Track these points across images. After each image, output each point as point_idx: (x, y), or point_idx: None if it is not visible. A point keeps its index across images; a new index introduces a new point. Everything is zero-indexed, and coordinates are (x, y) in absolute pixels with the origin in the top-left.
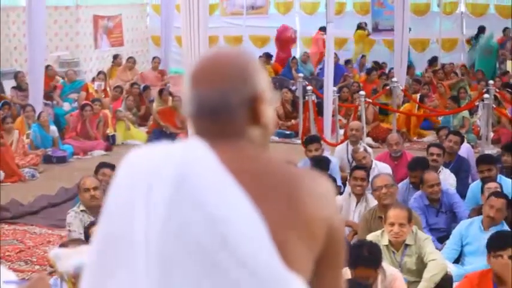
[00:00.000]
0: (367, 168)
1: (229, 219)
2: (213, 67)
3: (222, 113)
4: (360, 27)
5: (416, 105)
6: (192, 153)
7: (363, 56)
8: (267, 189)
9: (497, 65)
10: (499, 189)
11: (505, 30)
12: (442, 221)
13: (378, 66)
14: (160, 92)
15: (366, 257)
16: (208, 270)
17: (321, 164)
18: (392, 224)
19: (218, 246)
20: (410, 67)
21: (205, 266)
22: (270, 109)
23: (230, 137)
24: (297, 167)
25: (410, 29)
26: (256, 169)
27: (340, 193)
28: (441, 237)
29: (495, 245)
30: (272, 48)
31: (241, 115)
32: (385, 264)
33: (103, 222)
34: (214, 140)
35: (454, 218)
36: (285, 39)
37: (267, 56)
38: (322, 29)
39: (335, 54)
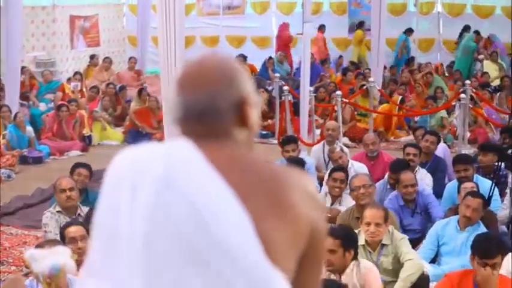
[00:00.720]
0: (346, 170)
1: (215, 214)
2: (199, 72)
3: (210, 115)
4: (358, 27)
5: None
6: (179, 153)
7: (340, 56)
8: (254, 186)
9: (473, 66)
10: (475, 189)
11: (478, 33)
12: (417, 221)
13: (354, 66)
14: (140, 92)
15: None
16: (195, 264)
17: (296, 165)
18: (368, 224)
19: (205, 241)
20: (393, 67)
21: (193, 261)
22: (255, 111)
23: (217, 138)
24: (282, 166)
25: None
26: (243, 167)
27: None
28: (416, 239)
29: (481, 251)
30: (248, 48)
31: (229, 118)
32: (361, 259)
33: (95, 222)
34: (201, 140)
35: (429, 219)
36: (284, 38)
37: (243, 57)
38: (322, 28)
39: (312, 54)
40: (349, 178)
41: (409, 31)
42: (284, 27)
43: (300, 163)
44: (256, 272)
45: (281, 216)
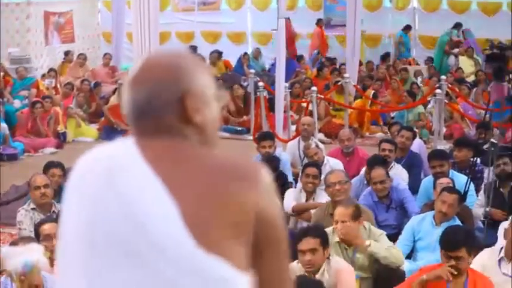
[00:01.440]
0: (319, 165)
1: (142, 207)
2: (145, 69)
3: (151, 111)
4: None
5: (369, 100)
6: (120, 149)
7: (318, 53)
8: (188, 177)
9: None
10: (451, 185)
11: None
12: (392, 217)
13: (329, 62)
14: (119, 87)
15: None
16: (128, 256)
17: (270, 163)
18: (336, 222)
19: (137, 236)
20: (370, 62)
21: (127, 256)
22: (212, 108)
23: (160, 134)
24: (235, 159)
25: (362, 21)
26: (180, 159)
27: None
28: (392, 234)
29: (445, 243)
30: (224, 44)
31: (171, 113)
32: (334, 256)
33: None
34: (145, 137)
35: (405, 214)
36: (288, 35)
37: (218, 53)
38: (319, 22)
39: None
40: (325, 174)
41: (407, 28)
42: (286, 23)
43: (273, 161)
44: (190, 261)
45: (217, 206)
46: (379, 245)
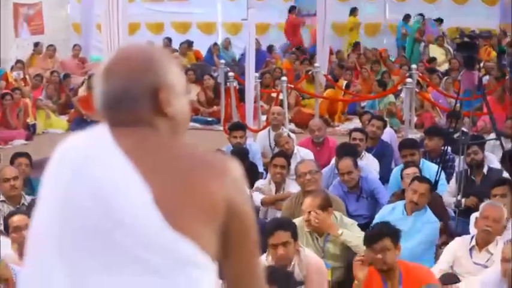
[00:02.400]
0: (287, 156)
1: (115, 190)
2: (119, 61)
3: (124, 103)
4: (352, 13)
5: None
6: (93, 138)
7: (290, 43)
8: (159, 164)
9: (415, 49)
10: (417, 174)
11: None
12: (363, 207)
13: (300, 51)
14: (90, 77)
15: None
16: (100, 238)
17: (240, 154)
18: (304, 212)
19: (106, 217)
20: (340, 51)
21: (99, 237)
22: (182, 100)
23: (135, 125)
24: (205, 151)
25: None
26: (152, 148)
27: (263, 179)
28: (364, 224)
29: (370, 237)
30: (194, 35)
31: (144, 105)
32: (306, 248)
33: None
34: (119, 127)
35: (376, 204)
36: (293, 24)
37: (189, 43)
38: (292, 10)
39: (256, 40)
40: (296, 164)
41: (407, 17)
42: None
43: (242, 153)
44: (163, 243)
45: (187, 192)
46: (351, 233)
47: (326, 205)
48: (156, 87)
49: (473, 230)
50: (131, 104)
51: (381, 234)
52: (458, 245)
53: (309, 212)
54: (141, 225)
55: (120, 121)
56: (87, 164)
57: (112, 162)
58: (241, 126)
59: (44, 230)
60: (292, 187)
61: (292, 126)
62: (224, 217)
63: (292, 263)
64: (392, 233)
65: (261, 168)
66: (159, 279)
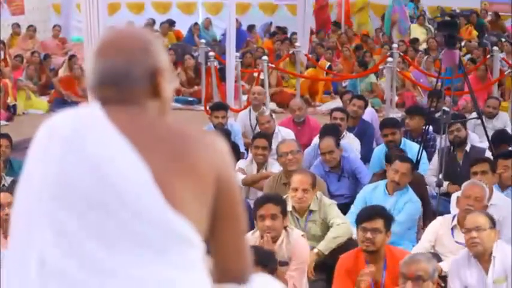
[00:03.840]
0: (268, 136)
1: (113, 166)
2: (119, 39)
3: (123, 81)
4: None
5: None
6: (87, 115)
7: (271, 23)
8: (154, 141)
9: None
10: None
11: None
12: (344, 186)
13: (280, 31)
14: (69, 59)
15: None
16: (97, 214)
17: (222, 134)
18: (295, 189)
19: (104, 191)
20: (320, 31)
21: (96, 212)
22: (170, 87)
23: (127, 104)
24: (191, 127)
25: None
26: (147, 127)
27: (244, 159)
28: (346, 204)
29: (360, 216)
30: (174, 15)
31: (141, 86)
32: (293, 228)
33: (17, 190)
34: (111, 105)
35: (357, 184)
36: (318, 5)
37: (170, 23)
38: None
39: (237, 19)
40: (277, 144)
41: None
42: None
43: (225, 132)
44: (159, 217)
45: (183, 169)
46: (325, 243)
47: (315, 183)
48: (154, 70)
49: (454, 209)
50: (130, 83)
51: (375, 215)
52: (439, 224)
53: (303, 190)
54: (142, 204)
55: (114, 99)
56: (81, 141)
57: (107, 140)
58: (223, 106)
59: (33, 206)
60: (275, 167)
61: (273, 105)
62: (215, 189)
63: (279, 241)
64: (386, 216)
65: (242, 148)
66: (155, 255)
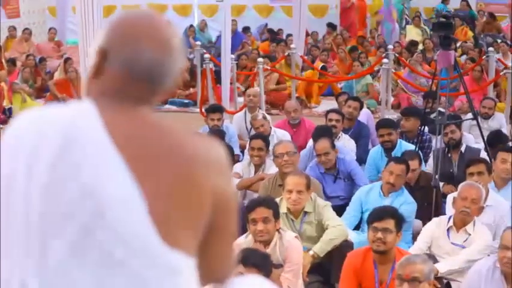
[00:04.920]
0: (265, 137)
1: (106, 195)
2: (156, 31)
3: (160, 77)
4: None
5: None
6: (81, 118)
7: (266, 25)
8: (154, 161)
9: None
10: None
11: None
12: (340, 187)
13: (273, 33)
14: (66, 61)
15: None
16: (83, 240)
17: (216, 136)
18: (290, 191)
19: (92, 218)
20: (314, 33)
21: (82, 237)
22: None
23: (137, 104)
24: (190, 136)
25: None
26: (147, 138)
27: (239, 161)
28: (341, 205)
29: (371, 215)
30: (170, 17)
31: (170, 83)
32: (286, 230)
33: None
34: (117, 103)
35: (354, 185)
36: (343, 6)
37: None
38: None
39: (234, 21)
40: (273, 145)
41: None
42: None
43: (219, 134)
44: (151, 254)
45: (181, 197)
46: (320, 245)
47: (309, 185)
48: (181, 68)
49: (450, 210)
50: (165, 80)
51: (386, 215)
52: (435, 226)
53: (298, 192)
54: (136, 242)
55: (129, 96)
56: (75, 155)
57: (102, 159)
58: (218, 109)
59: (17, 222)
60: (272, 169)
61: (268, 107)
62: (210, 211)
63: (273, 244)
64: (397, 217)
65: (237, 150)
66: (142, 285)
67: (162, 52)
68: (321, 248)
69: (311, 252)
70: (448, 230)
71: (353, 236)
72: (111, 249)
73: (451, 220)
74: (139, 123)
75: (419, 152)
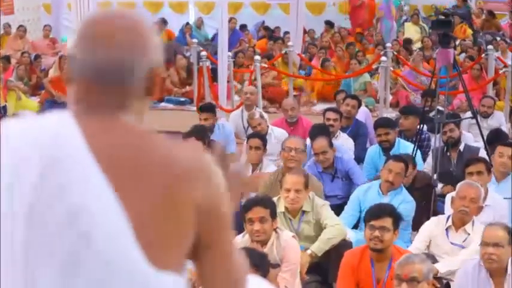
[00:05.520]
0: (263, 136)
1: (90, 217)
2: (113, 29)
3: (121, 80)
4: None
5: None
6: (62, 136)
7: (263, 23)
8: (136, 177)
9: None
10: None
11: None
12: (338, 187)
13: (270, 31)
14: (61, 58)
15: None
16: (69, 264)
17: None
18: (288, 190)
19: (78, 241)
20: (311, 31)
21: (66, 260)
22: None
23: (113, 110)
24: (174, 141)
25: None
26: (128, 151)
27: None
28: (339, 205)
29: (368, 213)
30: (166, 14)
31: (139, 86)
32: (283, 229)
33: None
34: (92, 114)
35: (352, 184)
36: (352, 5)
37: (164, 21)
38: None
39: (232, 18)
40: (284, 139)
41: None
42: None
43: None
44: (142, 279)
45: (165, 213)
46: (318, 244)
47: (308, 184)
48: (153, 68)
49: (449, 210)
50: (128, 83)
51: (384, 213)
52: (434, 225)
53: (296, 191)
54: (122, 262)
55: (99, 102)
56: (57, 170)
57: (87, 177)
58: (209, 108)
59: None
60: (269, 168)
61: (266, 104)
62: (197, 224)
63: (270, 243)
64: (394, 215)
65: (234, 149)
66: None
67: (120, 51)
68: (319, 247)
69: (309, 252)
70: (446, 229)
71: (351, 235)
72: (99, 274)
73: (450, 220)
74: (118, 135)
75: (418, 151)
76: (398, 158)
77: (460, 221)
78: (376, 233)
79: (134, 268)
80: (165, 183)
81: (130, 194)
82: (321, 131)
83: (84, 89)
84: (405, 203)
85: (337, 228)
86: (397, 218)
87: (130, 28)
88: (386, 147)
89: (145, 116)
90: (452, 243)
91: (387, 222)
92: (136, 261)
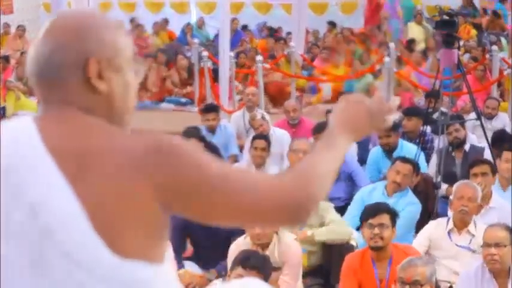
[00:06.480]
0: (267, 137)
1: (49, 210)
2: (52, 24)
3: (50, 74)
4: None
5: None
6: (19, 138)
7: (265, 23)
8: (85, 168)
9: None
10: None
11: None
12: (340, 189)
13: (272, 31)
14: None
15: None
16: (36, 263)
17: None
18: None
19: (41, 236)
20: (315, 31)
21: (34, 260)
22: (123, 77)
23: (60, 105)
24: (121, 131)
25: None
26: (75, 144)
27: (237, 161)
28: (342, 207)
29: (365, 211)
30: (167, 14)
31: (72, 79)
32: (285, 232)
33: None
34: (47, 108)
35: (354, 187)
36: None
37: (165, 21)
38: None
39: (235, 19)
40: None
41: None
42: None
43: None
44: (106, 269)
45: (121, 203)
46: (320, 230)
47: None
48: (88, 58)
49: (449, 212)
50: (58, 76)
51: (380, 210)
52: (434, 228)
53: None
54: (85, 253)
55: (45, 97)
56: (16, 173)
57: (41, 171)
58: (213, 108)
59: None
60: (272, 169)
61: (268, 107)
62: (163, 205)
63: (271, 246)
64: (391, 212)
65: (236, 150)
66: None
67: (47, 44)
68: (321, 232)
69: (309, 233)
70: (448, 232)
71: (356, 237)
72: (65, 265)
73: (451, 222)
74: (65, 129)
75: (421, 153)
76: (406, 159)
77: (461, 222)
78: (376, 230)
79: (96, 257)
80: (110, 172)
81: (81, 184)
82: (325, 128)
83: (35, 87)
84: (411, 205)
85: (344, 225)
86: (393, 215)
87: (66, 21)
88: (387, 150)
89: (144, 117)
90: (457, 245)
91: (385, 218)
92: (96, 248)
